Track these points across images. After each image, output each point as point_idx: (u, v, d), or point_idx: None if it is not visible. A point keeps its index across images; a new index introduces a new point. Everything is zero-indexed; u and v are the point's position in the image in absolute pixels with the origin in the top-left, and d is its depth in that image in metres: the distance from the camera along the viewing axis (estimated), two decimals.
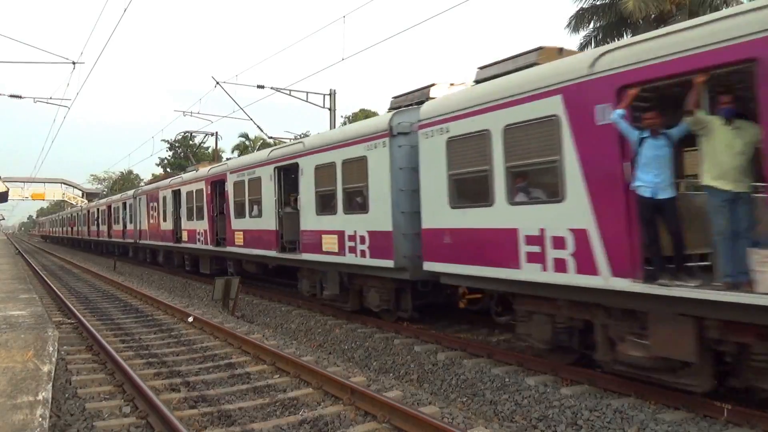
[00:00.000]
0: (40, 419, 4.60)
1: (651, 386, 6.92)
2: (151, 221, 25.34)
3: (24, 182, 77.55)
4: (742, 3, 23.61)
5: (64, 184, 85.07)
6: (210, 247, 18.70)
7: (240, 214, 16.26)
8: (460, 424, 6.37)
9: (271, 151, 14.76)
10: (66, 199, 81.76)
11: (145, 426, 6.44)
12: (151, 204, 25.49)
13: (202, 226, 19.21)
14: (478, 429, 6.24)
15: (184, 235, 21.18)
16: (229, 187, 16.95)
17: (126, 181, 77.77)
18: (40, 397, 4.93)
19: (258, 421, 6.54)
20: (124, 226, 31.34)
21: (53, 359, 6.16)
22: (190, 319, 12.56)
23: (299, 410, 6.86)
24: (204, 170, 20.12)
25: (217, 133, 33.37)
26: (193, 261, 22.01)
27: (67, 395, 7.47)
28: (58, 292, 17.44)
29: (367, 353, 10.15)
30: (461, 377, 8.24)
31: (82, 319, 12.46)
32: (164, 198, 23.62)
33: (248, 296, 16.45)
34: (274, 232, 14.20)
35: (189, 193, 20.74)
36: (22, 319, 9.18)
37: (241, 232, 16.10)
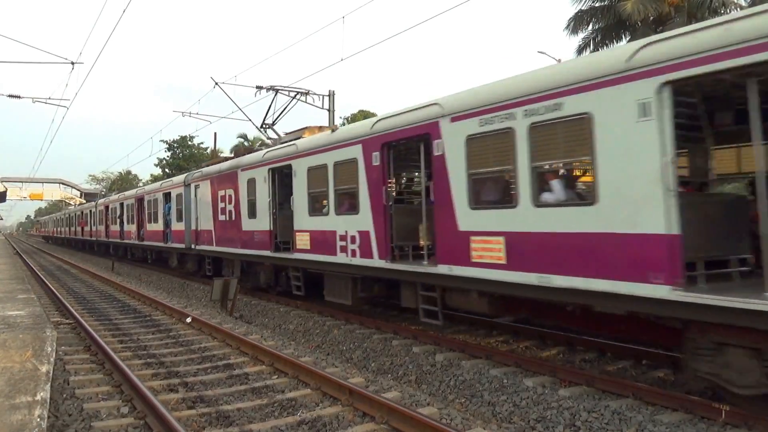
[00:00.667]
0: (39, 419, 4.60)
1: (649, 387, 6.94)
2: (221, 218, 17.38)
3: (22, 182, 77.57)
4: (741, 5, 23.73)
5: (62, 184, 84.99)
6: (377, 262, 10.48)
7: (485, 199, 8.54)
8: (458, 425, 6.37)
9: (645, 48, 6.43)
10: (63, 198, 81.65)
11: (143, 426, 6.43)
12: (221, 192, 17.45)
13: (355, 224, 11.01)
14: (476, 430, 6.24)
15: (301, 241, 12.97)
16: (449, 149, 8.83)
17: (124, 181, 77.74)
18: (38, 397, 4.93)
19: (256, 421, 6.54)
20: (167, 225, 23.71)
21: (51, 359, 6.17)
22: (189, 320, 12.55)
23: (297, 411, 6.86)
24: (360, 126, 11.76)
25: (216, 133, 33.23)
26: (309, 281, 13.70)
27: (65, 395, 7.46)
28: (56, 293, 17.41)
29: (365, 354, 10.15)
30: (459, 378, 8.25)
31: (80, 319, 12.44)
32: (250, 182, 15.59)
33: (246, 297, 16.42)
34: (662, 239, 6.13)
35: (315, 171, 12.37)
36: (21, 320, 9.20)
37: (500, 239, 7.99)
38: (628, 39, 25.55)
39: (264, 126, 18.98)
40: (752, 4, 22.11)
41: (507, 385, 7.68)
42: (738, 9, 23.15)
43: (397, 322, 11.80)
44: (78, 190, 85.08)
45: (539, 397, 7.18)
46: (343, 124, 43.04)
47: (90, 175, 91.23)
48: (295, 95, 18.74)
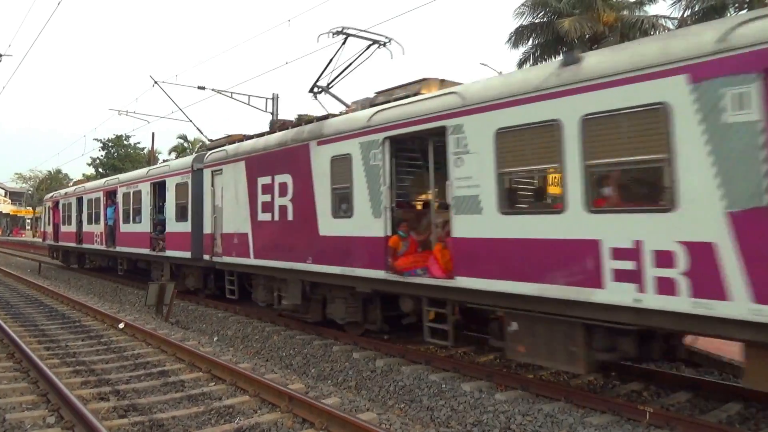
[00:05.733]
0: None
1: (580, 391, 7.21)
2: (265, 217, 12.09)
3: None
4: (668, 27, 25.09)
5: None
6: None
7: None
8: (397, 431, 6.43)
9: None
10: None
11: None
12: (264, 180, 12.17)
13: None
14: None
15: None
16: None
17: (54, 180, 74.20)
18: None
19: (192, 429, 6.38)
20: (157, 226, 18.16)
21: None
22: (121, 326, 12.10)
23: (235, 418, 6.75)
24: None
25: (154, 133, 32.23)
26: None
27: None
28: None
29: (305, 360, 10.08)
30: (399, 384, 8.32)
31: (3, 324, 11.75)
32: (338, 161, 10.15)
33: (183, 302, 15.99)
34: None
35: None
36: None
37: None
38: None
39: (317, 89, 12.43)
40: (680, 25, 23.44)
41: (445, 390, 7.81)
42: (666, 30, 24.44)
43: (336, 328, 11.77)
44: (2, 188, 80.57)
45: (476, 402, 7.33)
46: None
47: (16, 174, 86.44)
48: (371, 44, 11.65)
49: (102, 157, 61.18)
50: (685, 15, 24.32)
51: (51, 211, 29.97)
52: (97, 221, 22.81)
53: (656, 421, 6.35)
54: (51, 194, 32.12)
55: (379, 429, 6.00)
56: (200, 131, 25.57)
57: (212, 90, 23.88)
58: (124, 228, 20.18)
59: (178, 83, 24.16)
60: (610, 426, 6.37)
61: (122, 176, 21.93)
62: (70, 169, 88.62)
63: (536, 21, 28.19)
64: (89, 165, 63.11)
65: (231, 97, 24.07)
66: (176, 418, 6.71)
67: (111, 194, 21.69)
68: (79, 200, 25.30)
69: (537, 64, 26.51)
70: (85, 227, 24.47)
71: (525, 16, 28.05)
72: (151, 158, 41.68)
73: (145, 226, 18.44)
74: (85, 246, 24.64)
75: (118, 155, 60.44)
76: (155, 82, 22.87)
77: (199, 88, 23.86)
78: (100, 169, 58.37)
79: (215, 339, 12.08)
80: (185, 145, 54.63)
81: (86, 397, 7.40)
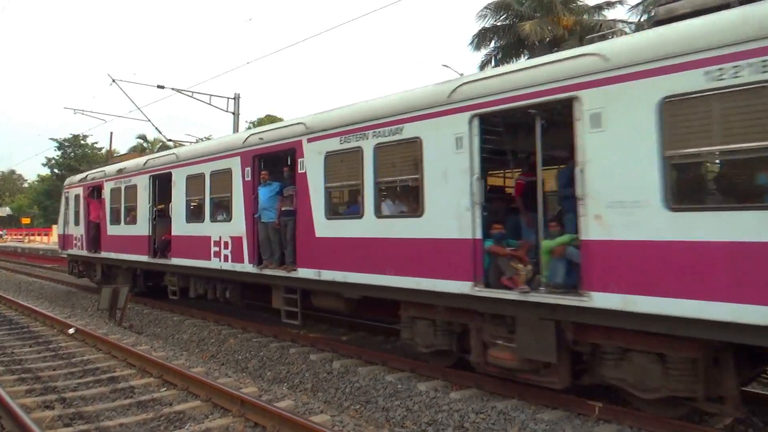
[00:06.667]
0: None
1: (532, 388, 7.29)
2: None
3: None
4: (626, 32, 25.69)
5: None
6: None
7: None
8: None
9: None
10: None
11: None
12: None
13: None
14: None
15: None
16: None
17: (7, 181, 71.79)
18: None
19: None
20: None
21: None
22: (71, 331, 11.74)
23: (185, 424, 6.62)
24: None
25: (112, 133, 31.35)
26: None
27: None
28: None
29: (261, 363, 9.94)
30: (355, 385, 8.27)
31: None
32: None
33: (138, 306, 15.60)
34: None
35: None
36: None
37: None
38: (526, 57, 26.91)
39: None
40: (638, 29, 24.00)
41: (401, 390, 7.80)
42: (623, 35, 24.99)
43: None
44: None
45: (431, 401, 7.34)
46: (249, 128, 42.17)
47: None
48: None
49: (58, 158, 59.56)
50: (642, 20, 24.94)
51: (84, 203, 18.53)
52: (218, 216, 12.11)
53: (605, 415, 6.46)
54: (85, 174, 19.77)
55: (331, 431, 5.94)
56: (159, 131, 25.11)
57: (172, 89, 23.48)
58: (323, 229, 9.52)
59: (136, 81, 23.64)
60: (561, 421, 6.46)
61: (310, 119, 9.93)
62: (24, 169, 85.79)
63: (498, 24, 28.53)
64: (44, 165, 61.37)
65: (192, 97, 23.71)
66: (124, 425, 6.54)
67: (264, 160, 11.12)
68: (160, 180, 14.49)
69: (499, 65, 26.83)
70: (181, 228, 13.32)
71: (487, 18, 28.39)
72: (109, 158, 40.70)
73: (441, 223, 7.67)
74: (176, 262, 13.42)
75: (75, 155, 58.92)
76: (113, 80, 22.33)
77: (159, 86, 23.41)
78: (56, 170, 56.82)
79: (155, 344, 11.82)
80: (145, 145, 53.57)
81: (30, 406, 7.14)
